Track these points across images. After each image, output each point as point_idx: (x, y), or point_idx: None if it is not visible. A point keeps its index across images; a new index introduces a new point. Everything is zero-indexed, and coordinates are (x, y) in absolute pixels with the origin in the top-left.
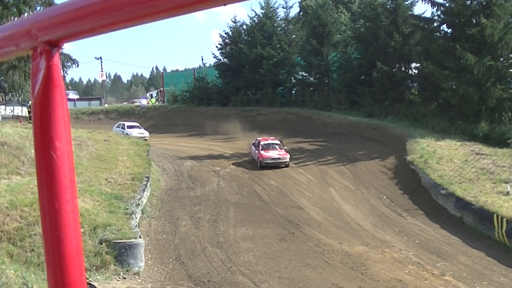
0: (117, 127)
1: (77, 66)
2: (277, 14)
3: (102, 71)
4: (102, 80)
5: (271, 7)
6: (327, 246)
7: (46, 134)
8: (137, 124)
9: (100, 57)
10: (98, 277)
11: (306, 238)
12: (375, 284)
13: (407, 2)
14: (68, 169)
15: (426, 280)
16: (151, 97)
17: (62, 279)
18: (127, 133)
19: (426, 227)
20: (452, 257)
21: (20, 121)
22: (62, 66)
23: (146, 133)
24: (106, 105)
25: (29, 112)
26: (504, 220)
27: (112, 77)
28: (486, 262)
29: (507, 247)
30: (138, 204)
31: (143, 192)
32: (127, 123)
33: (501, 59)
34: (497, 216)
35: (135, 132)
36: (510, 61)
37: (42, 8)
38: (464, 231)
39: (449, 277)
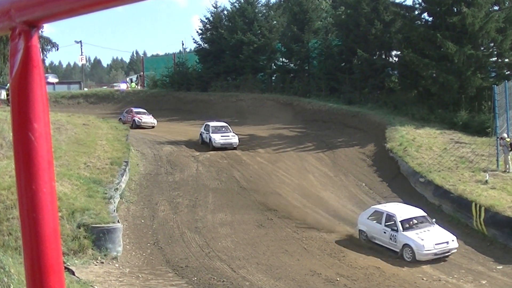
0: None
1: (57, 49)
2: (258, 0)
3: (82, 54)
4: (82, 64)
5: None
6: (305, 232)
7: (24, 116)
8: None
9: (80, 41)
10: (76, 261)
11: (285, 225)
12: (353, 271)
13: None
14: (46, 151)
15: (403, 268)
16: (131, 81)
17: (38, 262)
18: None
19: None
20: None
21: None
22: (41, 50)
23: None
24: (85, 89)
25: (7, 95)
26: (482, 208)
27: (92, 61)
28: (464, 251)
29: (485, 235)
30: (117, 189)
31: (122, 176)
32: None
33: (482, 48)
34: (476, 204)
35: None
36: (491, 50)
37: None
38: (442, 219)
39: (426, 265)
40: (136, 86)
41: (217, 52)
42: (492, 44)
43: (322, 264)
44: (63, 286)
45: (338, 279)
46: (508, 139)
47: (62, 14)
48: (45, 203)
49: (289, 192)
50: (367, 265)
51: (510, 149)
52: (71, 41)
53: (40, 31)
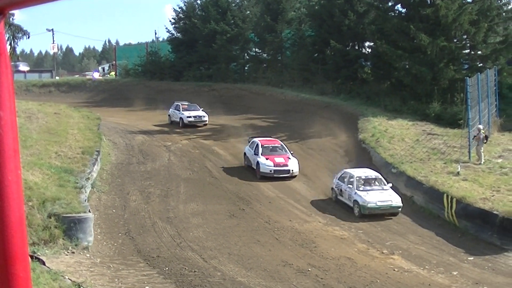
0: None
1: (28, 37)
2: None
3: (53, 43)
4: (54, 53)
5: None
6: (277, 223)
7: None
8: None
9: (52, 29)
10: (47, 251)
11: (256, 215)
12: (324, 262)
13: None
14: (12, 139)
15: (375, 258)
16: (103, 70)
17: (4, 250)
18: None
19: None
20: (402, 236)
21: None
22: (12, 37)
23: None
24: (57, 78)
25: None
26: (454, 200)
27: (63, 50)
28: (435, 242)
29: (457, 227)
30: (88, 178)
31: (93, 166)
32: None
33: (455, 40)
34: (447, 196)
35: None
36: (463, 42)
37: None
38: (414, 210)
39: (398, 256)
40: (115, 75)
41: (190, 41)
42: (465, 36)
43: (294, 255)
44: (29, 274)
45: (309, 269)
46: (483, 131)
47: (29, 1)
48: (10, 191)
49: (261, 182)
50: (338, 256)
51: (485, 141)
52: (42, 29)
53: (11, 19)
